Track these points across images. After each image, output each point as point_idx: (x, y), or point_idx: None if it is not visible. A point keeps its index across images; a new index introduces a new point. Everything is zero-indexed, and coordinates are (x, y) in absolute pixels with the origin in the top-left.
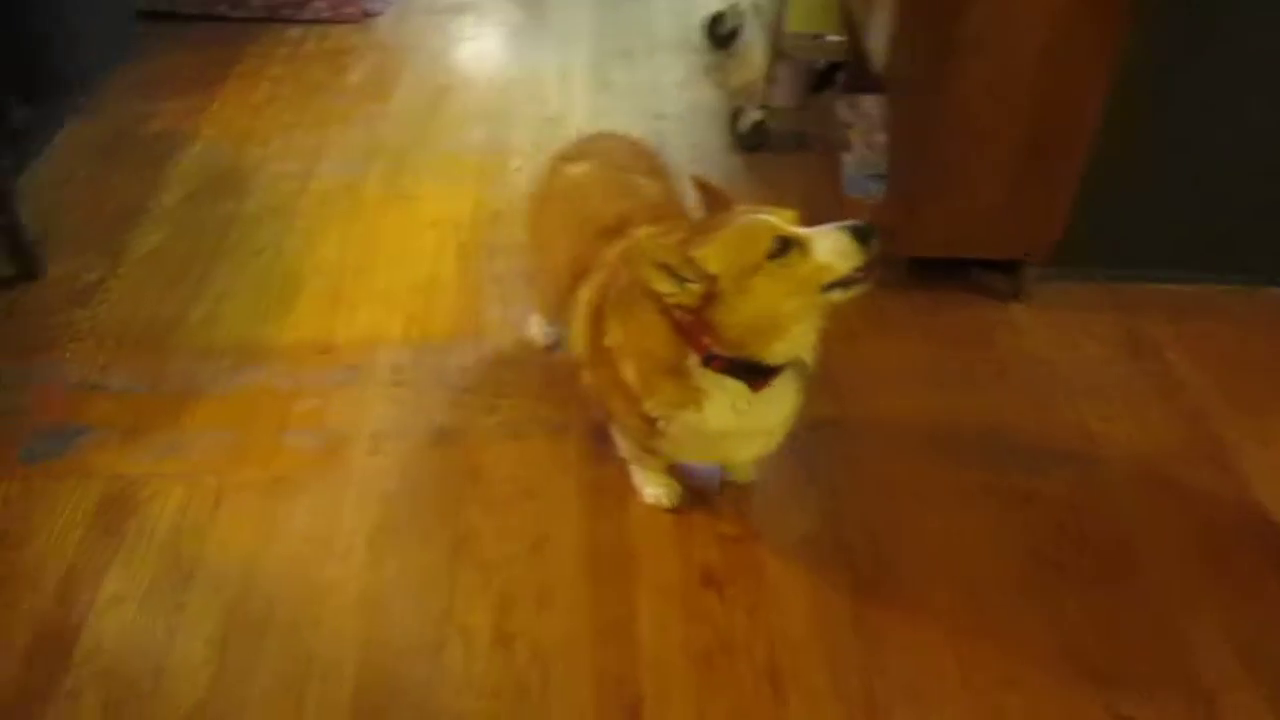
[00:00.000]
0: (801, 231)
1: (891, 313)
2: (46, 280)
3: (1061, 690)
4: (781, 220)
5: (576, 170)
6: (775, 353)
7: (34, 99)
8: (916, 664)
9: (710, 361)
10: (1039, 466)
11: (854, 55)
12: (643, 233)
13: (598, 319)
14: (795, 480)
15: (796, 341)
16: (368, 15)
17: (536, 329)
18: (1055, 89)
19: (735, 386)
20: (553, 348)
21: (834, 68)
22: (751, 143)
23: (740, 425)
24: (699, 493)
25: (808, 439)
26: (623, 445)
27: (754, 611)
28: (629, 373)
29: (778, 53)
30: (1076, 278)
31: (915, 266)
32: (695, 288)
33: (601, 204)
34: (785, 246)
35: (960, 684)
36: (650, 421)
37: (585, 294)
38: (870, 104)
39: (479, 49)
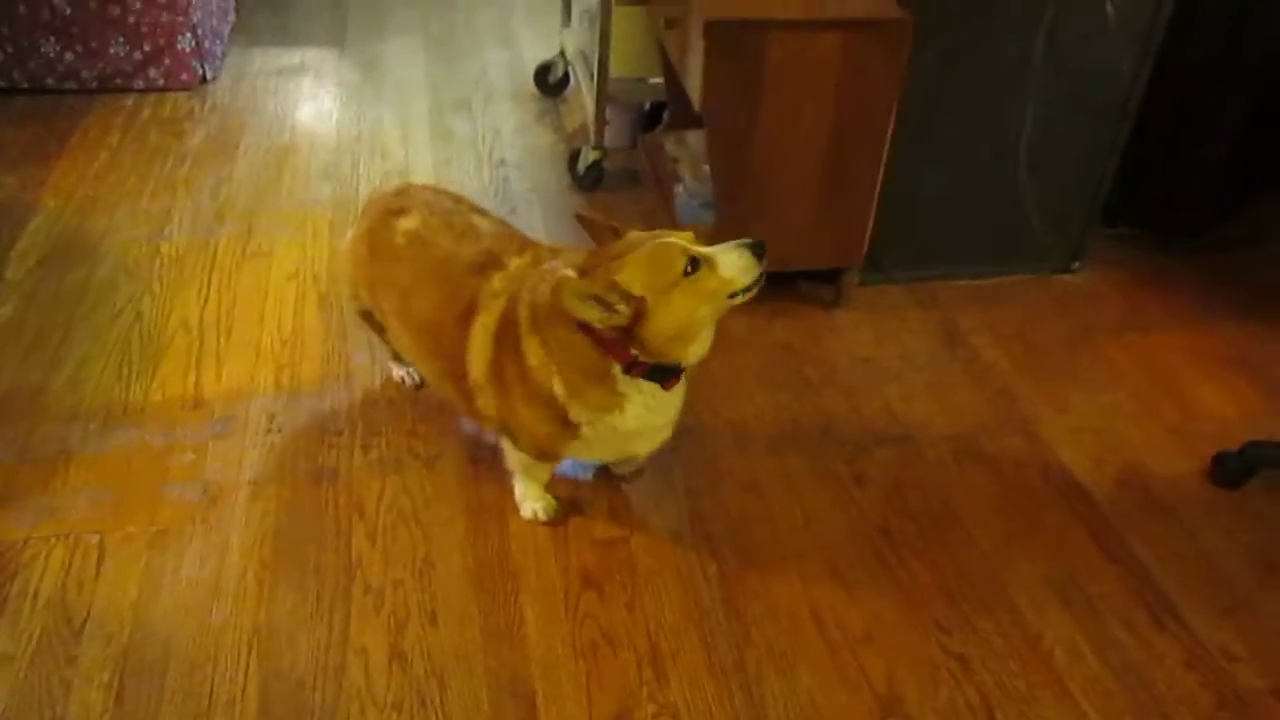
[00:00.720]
0: (706, 250)
1: (732, 327)
2: None
3: (907, 638)
4: (684, 241)
5: (410, 223)
6: (691, 354)
7: None
8: (782, 633)
9: (632, 369)
10: (865, 449)
11: (674, 94)
12: (556, 269)
13: (500, 345)
14: (659, 485)
15: (705, 343)
16: (202, 81)
17: (400, 372)
18: (850, 112)
19: (650, 388)
20: (420, 385)
21: (661, 106)
22: (590, 182)
23: (649, 421)
24: (573, 503)
25: (667, 446)
26: (515, 460)
27: (631, 605)
28: (556, 386)
29: (604, 96)
30: (891, 281)
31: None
32: (625, 310)
33: (455, 247)
34: (696, 264)
35: (822, 645)
36: (570, 427)
37: (482, 324)
38: (694, 138)
39: (318, 108)
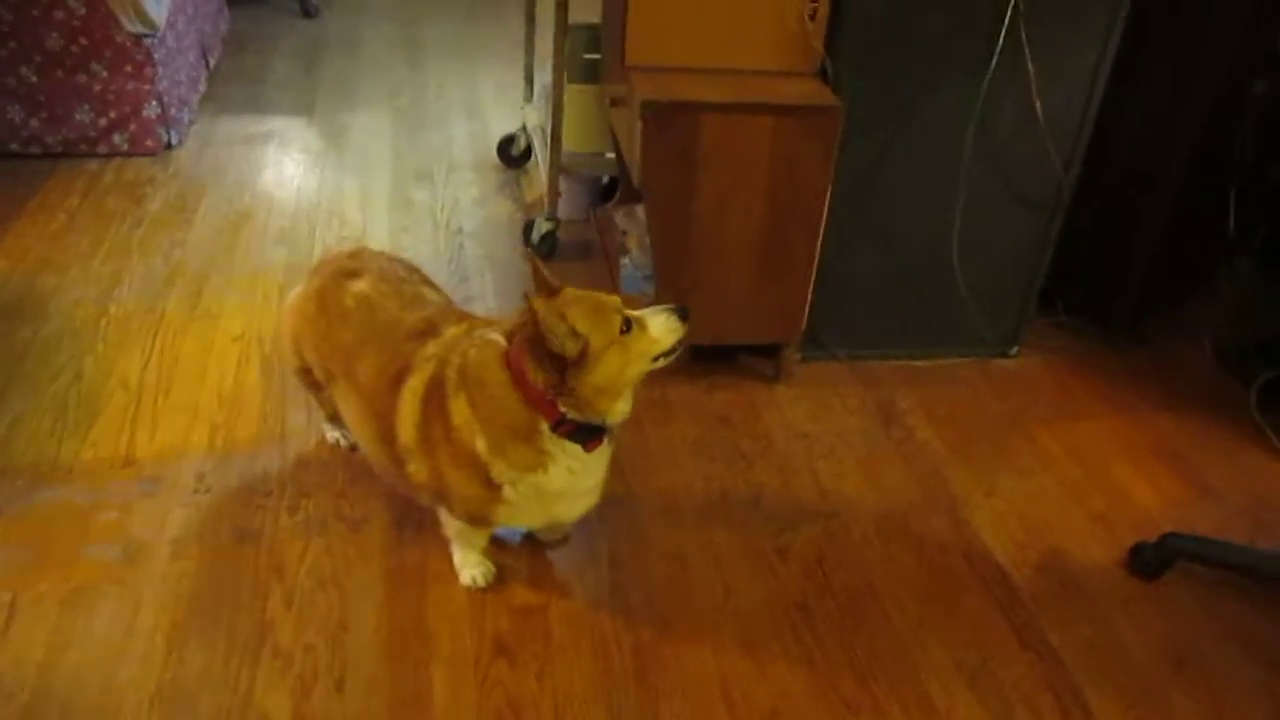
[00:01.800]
0: (636, 313)
1: (671, 396)
2: None
3: (813, 717)
4: (617, 302)
5: (360, 286)
6: (616, 412)
7: None
8: (690, 708)
9: (559, 426)
10: (791, 525)
11: (625, 169)
12: (484, 334)
13: (427, 407)
14: (582, 553)
15: (627, 402)
16: (168, 147)
17: (334, 434)
18: (784, 193)
19: (573, 449)
20: (354, 448)
21: (617, 181)
22: (543, 251)
23: (574, 485)
24: (495, 569)
25: (594, 515)
26: (451, 525)
27: (541, 675)
28: (479, 444)
29: (558, 169)
30: (830, 358)
31: (690, 353)
32: (573, 345)
33: (400, 312)
34: (629, 325)
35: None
36: (494, 488)
37: (411, 388)
38: (642, 212)
39: (280, 175)
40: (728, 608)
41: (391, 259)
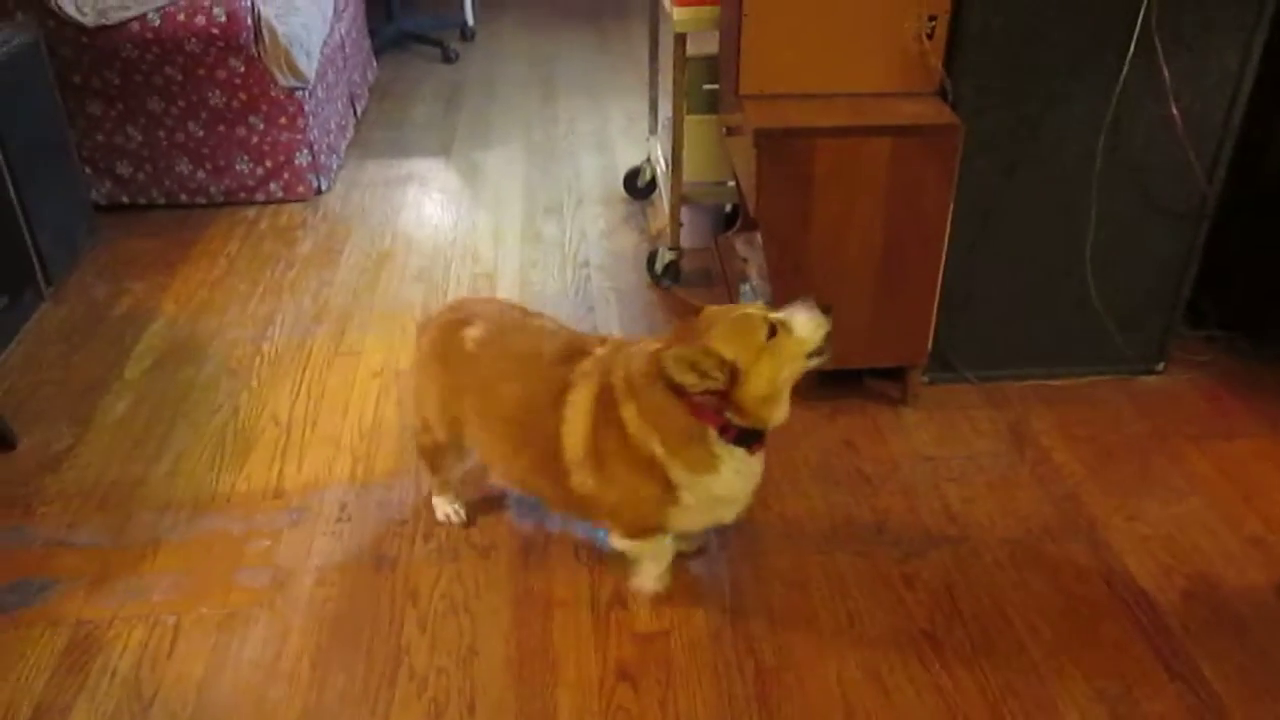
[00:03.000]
0: (778, 314)
1: (795, 421)
2: (17, 451)
3: None
4: (759, 310)
5: (478, 331)
6: (777, 416)
7: (3, 291)
8: None
9: (724, 433)
10: (918, 550)
11: (742, 197)
12: (646, 346)
13: (596, 418)
14: (703, 579)
15: (786, 406)
16: (318, 192)
17: (445, 509)
18: (903, 215)
19: (738, 452)
20: (468, 524)
21: (737, 209)
22: (666, 280)
23: (740, 487)
24: (617, 595)
25: (716, 541)
26: (624, 544)
27: (665, 702)
28: (656, 447)
29: (679, 198)
30: (959, 380)
31: (814, 378)
32: (719, 375)
33: (533, 345)
34: (773, 330)
35: None
36: (671, 489)
37: (577, 401)
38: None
39: (418, 215)
40: (851, 634)
41: (490, 300)
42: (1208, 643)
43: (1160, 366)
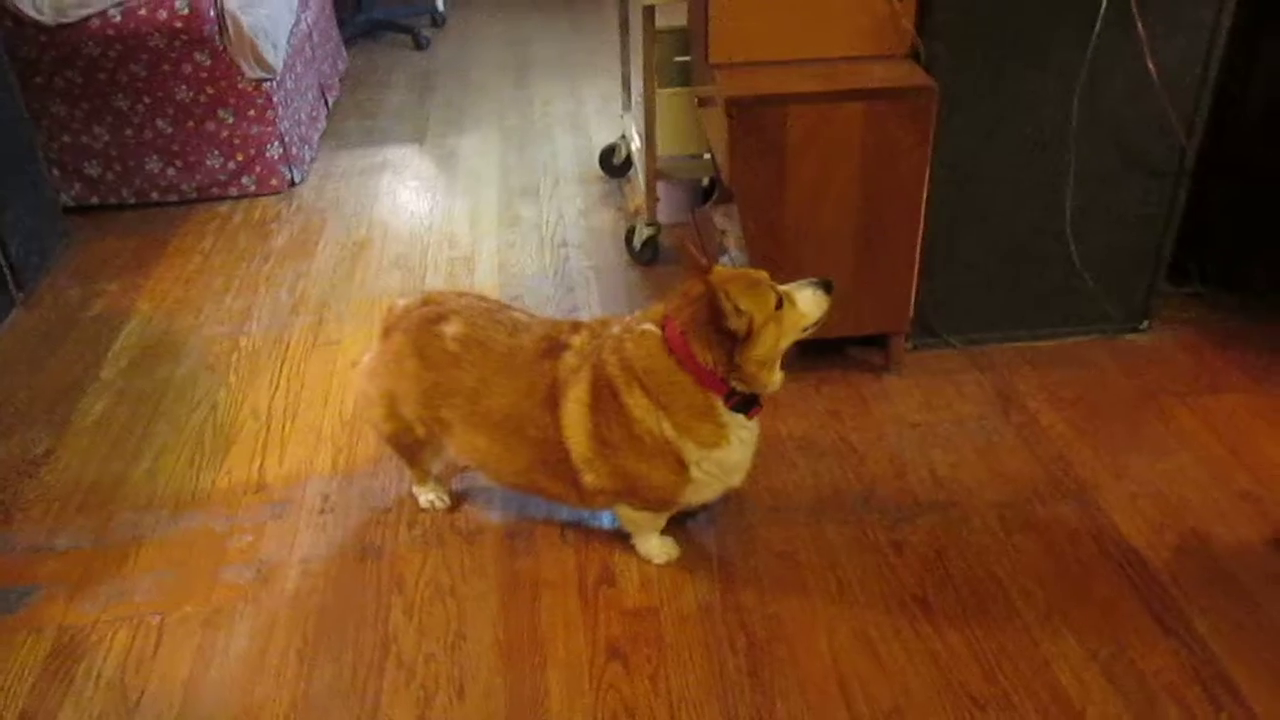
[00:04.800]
0: (785, 288)
1: (780, 393)
2: None
3: (938, 714)
4: (767, 279)
5: (455, 328)
6: (773, 382)
7: None
8: (807, 708)
9: (729, 399)
10: (907, 517)
11: (718, 169)
12: (633, 325)
13: (599, 411)
14: (692, 554)
15: (779, 374)
16: (291, 185)
17: (428, 496)
18: (880, 180)
19: (739, 419)
20: (452, 508)
21: (715, 182)
22: (645, 257)
23: (746, 454)
24: (605, 572)
25: (703, 514)
26: (635, 520)
27: (656, 677)
28: (667, 429)
29: (654, 174)
30: (943, 345)
31: (796, 348)
32: (742, 324)
33: (512, 339)
34: (780, 300)
35: (849, 718)
36: (684, 468)
37: (574, 398)
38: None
39: (394, 203)
40: (842, 603)
41: (463, 294)
42: (1200, 599)
43: (1144, 325)
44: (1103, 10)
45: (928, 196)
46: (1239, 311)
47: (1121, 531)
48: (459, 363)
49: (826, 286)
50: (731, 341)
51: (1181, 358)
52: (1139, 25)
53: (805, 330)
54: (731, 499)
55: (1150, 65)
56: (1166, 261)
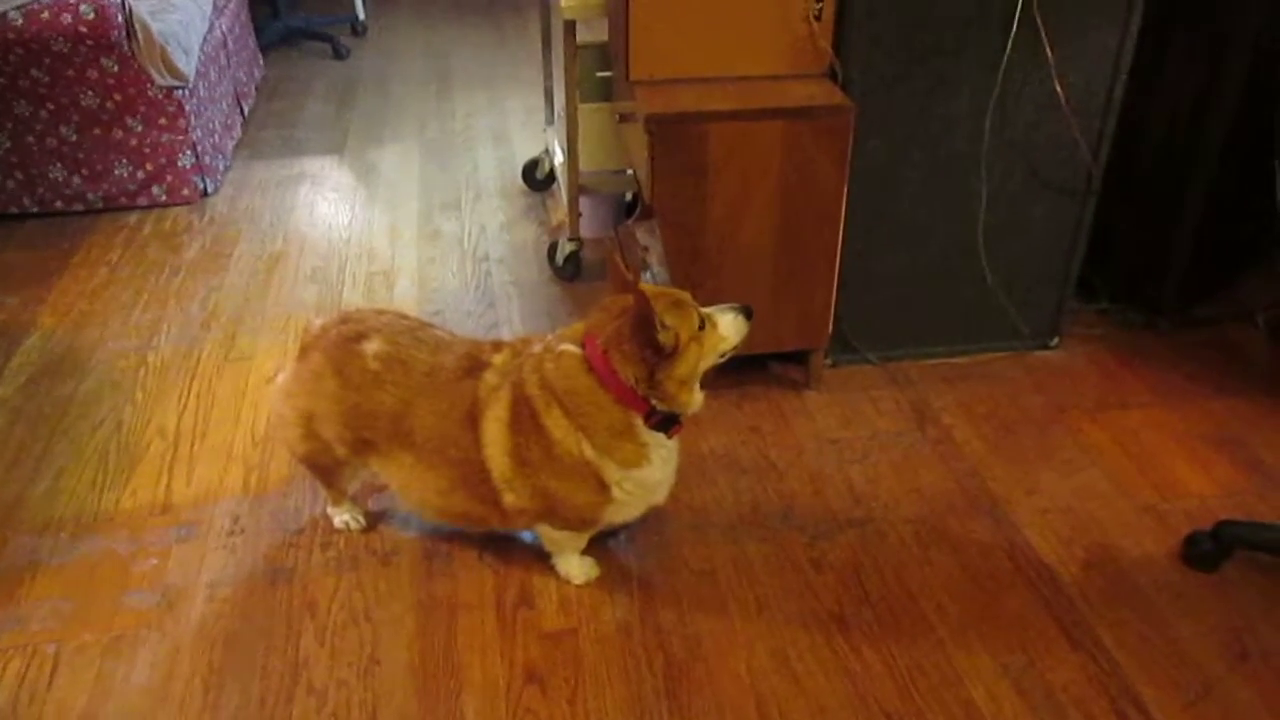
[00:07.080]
0: (707, 310)
1: (701, 410)
2: None
3: None
4: (690, 300)
5: (375, 346)
6: (693, 402)
7: None
8: None
9: (649, 418)
10: (825, 534)
11: (640, 185)
12: (553, 345)
13: (518, 431)
14: (611, 573)
15: (699, 394)
16: (204, 195)
17: (342, 517)
18: (799, 198)
19: (660, 438)
20: (367, 529)
21: (638, 197)
22: (568, 273)
23: (666, 472)
24: (523, 594)
25: (624, 533)
26: (555, 539)
27: (573, 700)
28: (587, 450)
29: (576, 189)
30: (861, 361)
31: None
32: (669, 340)
33: (433, 358)
34: (703, 322)
35: None
36: (605, 489)
37: (493, 419)
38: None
39: (311, 215)
40: (761, 621)
41: (382, 311)
42: (1107, 612)
43: (1055, 341)
44: (1012, 35)
45: (846, 214)
46: (1145, 328)
47: (1033, 546)
48: (380, 382)
49: (747, 312)
50: (655, 357)
51: (1090, 373)
52: (1047, 50)
53: (723, 355)
54: (652, 517)
55: (1058, 88)
56: (1075, 279)
